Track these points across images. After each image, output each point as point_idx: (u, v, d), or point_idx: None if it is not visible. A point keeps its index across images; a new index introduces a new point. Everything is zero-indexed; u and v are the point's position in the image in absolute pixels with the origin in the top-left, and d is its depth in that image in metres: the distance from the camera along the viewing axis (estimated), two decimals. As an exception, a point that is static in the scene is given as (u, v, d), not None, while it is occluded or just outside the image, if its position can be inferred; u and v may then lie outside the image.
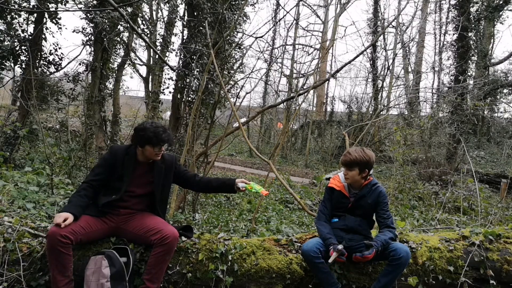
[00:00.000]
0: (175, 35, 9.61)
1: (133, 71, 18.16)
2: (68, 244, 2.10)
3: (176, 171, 2.64)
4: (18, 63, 8.23)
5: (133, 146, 2.51)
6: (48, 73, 9.16)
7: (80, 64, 9.26)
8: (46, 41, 8.95)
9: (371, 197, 2.52)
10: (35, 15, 8.28)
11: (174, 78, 8.51)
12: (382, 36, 17.03)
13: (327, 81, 16.59)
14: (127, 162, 2.45)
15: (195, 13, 7.75)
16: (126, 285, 2.19)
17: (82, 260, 2.28)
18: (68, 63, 17.99)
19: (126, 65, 13.67)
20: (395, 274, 2.30)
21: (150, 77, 15.35)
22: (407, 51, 19.65)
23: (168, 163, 2.59)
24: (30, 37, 8.14)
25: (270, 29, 11.18)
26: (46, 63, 8.99)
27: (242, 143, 19.49)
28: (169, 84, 8.83)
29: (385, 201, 2.52)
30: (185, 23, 8.31)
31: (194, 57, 7.45)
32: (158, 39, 11.22)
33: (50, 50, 9.02)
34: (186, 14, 8.36)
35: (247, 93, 11.93)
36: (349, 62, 5.72)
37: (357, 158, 2.46)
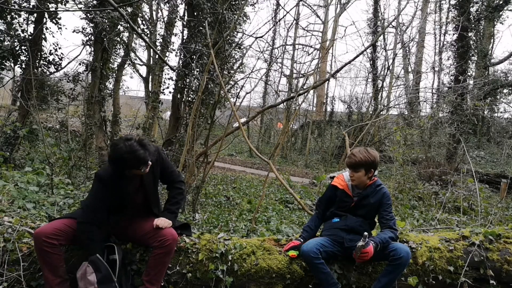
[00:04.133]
0: (175, 35, 9.61)
1: (133, 71, 18.13)
2: (54, 245, 2.09)
3: (161, 168, 2.49)
4: (18, 63, 8.22)
5: None
6: (48, 73, 9.15)
7: (80, 64, 9.25)
8: (46, 41, 8.93)
9: (375, 198, 2.52)
10: (35, 15, 8.26)
11: (174, 78, 8.50)
12: (382, 36, 17.00)
13: (327, 81, 16.61)
14: (119, 182, 2.32)
15: (195, 13, 7.74)
16: (115, 286, 2.16)
17: (81, 261, 2.27)
18: (68, 63, 17.98)
19: (126, 65, 13.65)
20: (396, 274, 2.30)
21: (150, 77, 15.34)
22: (407, 51, 19.65)
23: (155, 163, 2.42)
24: (30, 37, 8.13)
25: (270, 29, 11.18)
26: (46, 63, 8.98)
27: (242, 143, 19.48)
28: (169, 84, 8.83)
29: (388, 202, 2.52)
30: (185, 23, 8.31)
31: (194, 57, 7.45)
32: (158, 39, 11.21)
33: (50, 50, 9.02)
34: (186, 14, 8.35)
35: (247, 93, 11.95)
36: (349, 62, 5.73)
37: (362, 160, 2.44)
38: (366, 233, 2.26)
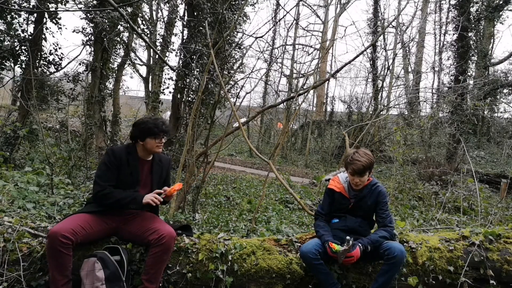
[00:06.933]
0: (175, 35, 9.62)
1: (133, 71, 18.14)
2: (69, 245, 2.10)
3: (167, 174, 2.69)
4: (18, 63, 8.22)
5: (131, 144, 2.52)
6: (48, 73, 9.15)
7: (80, 64, 9.27)
8: (46, 41, 8.93)
9: (371, 198, 2.52)
10: (35, 15, 8.26)
11: (174, 78, 8.52)
12: (382, 36, 17.01)
13: (327, 81, 16.59)
14: (132, 161, 2.45)
15: (195, 13, 7.75)
16: (123, 285, 2.17)
17: (82, 260, 2.28)
18: (68, 63, 17.99)
19: (126, 65, 13.66)
20: (392, 273, 2.30)
21: (150, 77, 15.34)
22: (407, 51, 19.64)
23: (165, 164, 2.65)
24: (30, 37, 8.13)
25: (270, 29, 11.14)
26: (46, 63, 8.98)
27: (242, 143, 19.48)
28: (169, 84, 8.85)
29: (384, 200, 2.52)
30: (185, 23, 8.32)
31: (194, 57, 7.46)
32: (158, 39, 11.22)
33: (50, 50, 9.02)
34: (186, 14, 8.37)
35: (247, 93, 11.92)
36: (349, 62, 5.72)
37: (367, 163, 2.43)
38: (348, 237, 2.27)
